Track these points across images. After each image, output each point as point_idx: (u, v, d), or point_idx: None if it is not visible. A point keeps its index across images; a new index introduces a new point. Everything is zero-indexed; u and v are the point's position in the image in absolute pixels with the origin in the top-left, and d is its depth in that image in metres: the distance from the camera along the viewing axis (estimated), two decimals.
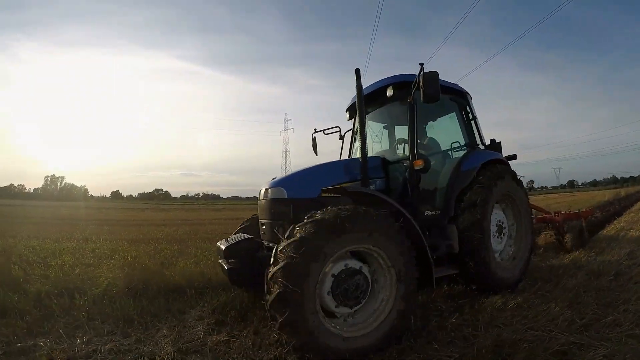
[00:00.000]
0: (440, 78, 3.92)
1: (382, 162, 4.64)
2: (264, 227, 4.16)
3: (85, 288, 4.79)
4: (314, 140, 6.06)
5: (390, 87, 4.51)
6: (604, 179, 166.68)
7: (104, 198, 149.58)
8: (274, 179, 4.18)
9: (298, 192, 3.89)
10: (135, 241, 9.94)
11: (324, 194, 3.77)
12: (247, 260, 3.66)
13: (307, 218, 3.07)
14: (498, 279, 4.48)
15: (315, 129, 5.99)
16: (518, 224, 5.21)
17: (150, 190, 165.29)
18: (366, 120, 5.35)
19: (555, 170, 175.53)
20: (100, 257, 7.33)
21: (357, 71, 3.92)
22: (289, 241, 2.91)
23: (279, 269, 2.82)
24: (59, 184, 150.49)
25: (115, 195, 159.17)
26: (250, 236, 4.09)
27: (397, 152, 5.31)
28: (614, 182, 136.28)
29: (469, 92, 5.39)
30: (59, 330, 3.62)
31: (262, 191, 4.20)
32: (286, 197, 3.87)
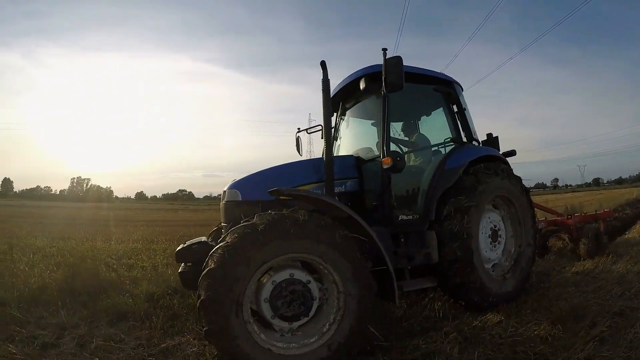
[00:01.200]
0: (445, 72, 3.59)
1: (356, 161, 4.26)
2: (222, 231, 3.90)
3: None
4: (298, 139, 5.65)
5: (363, 78, 4.12)
6: (630, 176, 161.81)
7: (128, 199, 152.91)
8: (234, 180, 3.95)
9: (254, 195, 3.64)
10: None
11: (281, 197, 3.39)
12: (198, 264, 3.46)
13: (243, 222, 2.89)
14: (489, 293, 3.98)
15: (298, 128, 5.62)
16: (517, 229, 4.64)
17: (174, 191, 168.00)
18: (347, 116, 5.19)
19: (580, 168, 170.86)
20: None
21: (323, 63, 3.65)
22: (218, 246, 2.78)
23: (205, 275, 2.70)
24: (84, 185, 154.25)
25: (140, 196, 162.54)
26: (205, 240, 3.97)
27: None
28: None
29: (458, 81, 4.91)
30: (194, 329, 3.65)
31: (222, 193, 3.97)
32: (240, 199, 3.68)
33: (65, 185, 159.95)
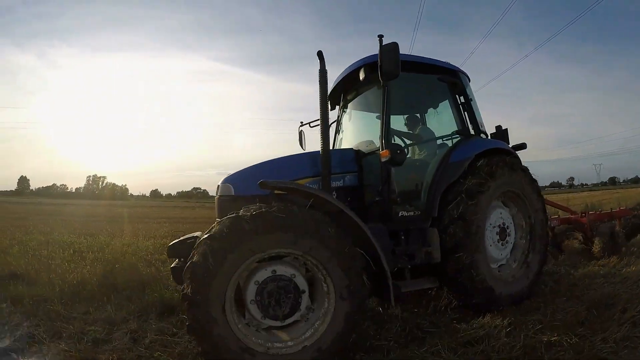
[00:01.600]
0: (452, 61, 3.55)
1: (356, 155, 4.10)
2: None
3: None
4: (301, 133, 5.40)
5: (363, 68, 3.92)
6: None
7: (143, 197, 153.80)
8: (229, 174, 3.85)
9: (247, 189, 3.49)
10: None
11: (276, 191, 3.33)
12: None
13: (229, 215, 2.80)
14: (495, 294, 3.79)
15: (301, 122, 5.38)
16: (520, 204, 4.36)
17: (189, 189, 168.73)
18: (349, 109, 4.99)
19: (596, 167, 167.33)
20: None
21: (320, 54, 3.51)
22: (202, 239, 2.71)
23: (187, 267, 2.64)
24: (100, 183, 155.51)
25: (155, 194, 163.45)
26: (199, 235, 3.83)
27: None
28: None
29: (464, 71, 4.69)
30: None
31: (216, 187, 3.85)
32: (233, 194, 3.58)
33: (81, 183, 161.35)
